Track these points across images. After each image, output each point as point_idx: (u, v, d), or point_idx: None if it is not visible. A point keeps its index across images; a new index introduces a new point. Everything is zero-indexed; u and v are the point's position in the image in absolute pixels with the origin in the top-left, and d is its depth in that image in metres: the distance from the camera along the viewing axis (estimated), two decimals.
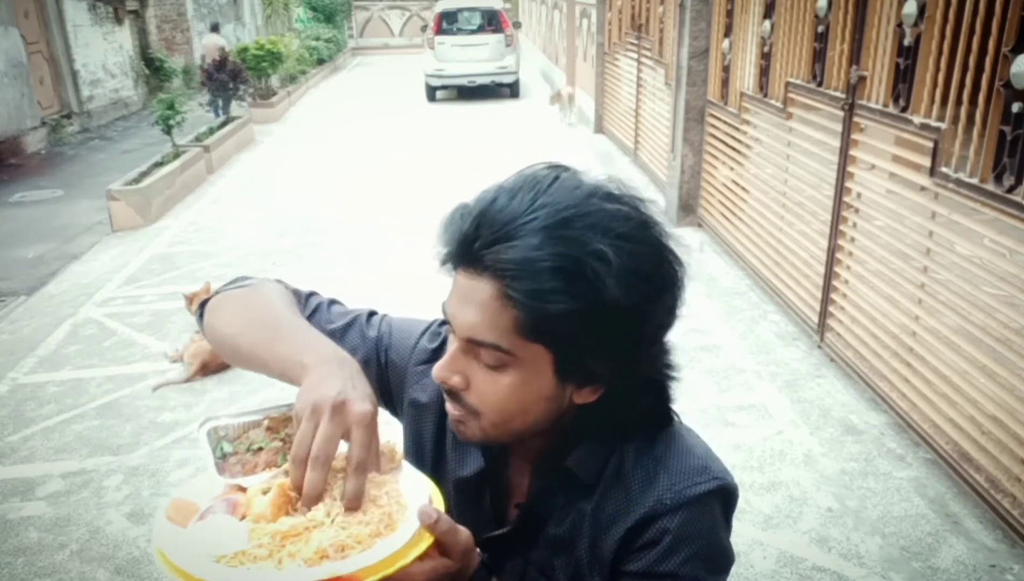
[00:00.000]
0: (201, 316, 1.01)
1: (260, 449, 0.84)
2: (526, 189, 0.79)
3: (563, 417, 0.86)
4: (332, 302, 1.07)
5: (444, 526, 0.75)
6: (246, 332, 0.92)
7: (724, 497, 0.87)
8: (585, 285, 0.74)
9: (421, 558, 0.73)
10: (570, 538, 0.89)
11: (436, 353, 0.99)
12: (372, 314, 1.05)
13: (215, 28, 12.65)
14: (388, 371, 1.01)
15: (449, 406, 0.85)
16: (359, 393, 0.78)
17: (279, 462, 0.83)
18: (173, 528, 0.76)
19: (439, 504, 0.79)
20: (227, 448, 0.84)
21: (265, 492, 0.78)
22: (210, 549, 0.72)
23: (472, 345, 0.80)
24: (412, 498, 0.79)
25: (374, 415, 0.77)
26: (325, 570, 0.69)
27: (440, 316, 0.95)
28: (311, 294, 1.07)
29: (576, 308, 0.75)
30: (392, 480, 0.81)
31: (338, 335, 1.00)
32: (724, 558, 0.88)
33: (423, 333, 1.02)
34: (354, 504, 0.75)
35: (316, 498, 0.75)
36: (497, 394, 0.81)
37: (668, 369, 0.89)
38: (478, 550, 0.81)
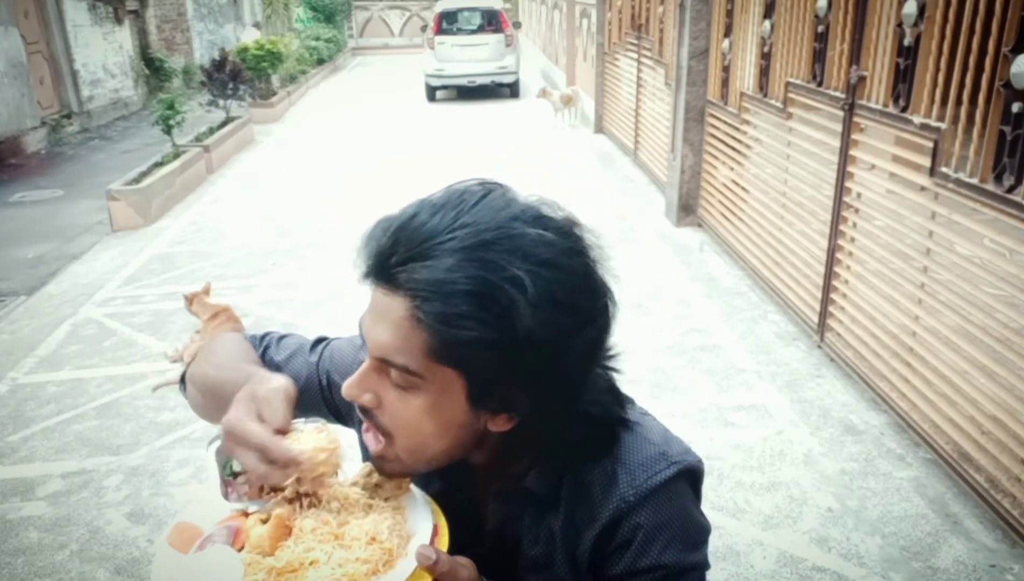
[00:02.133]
0: (184, 389, 1.08)
1: None
2: (450, 206, 0.76)
3: (484, 442, 0.83)
4: (283, 337, 1.08)
5: (444, 567, 0.73)
6: (205, 382, 0.97)
7: (689, 477, 0.86)
8: (498, 312, 0.71)
9: None
10: (547, 557, 0.88)
11: None
12: (320, 341, 1.06)
13: (257, 25, 12.79)
14: (332, 392, 1.01)
15: (367, 437, 0.83)
16: (230, 413, 0.79)
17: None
18: (173, 556, 0.75)
19: (444, 535, 0.77)
20: (236, 467, 0.82)
21: (264, 521, 0.76)
22: None
23: (383, 364, 0.78)
24: (416, 528, 0.77)
25: (234, 421, 0.77)
26: None
27: None
28: (266, 334, 1.08)
29: (487, 336, 0.71)
30: (398, 508, 0.79)
31: (283, 366, 1.02)
32: (701, 532, 0.87)
33: (361, 347, 1.01)
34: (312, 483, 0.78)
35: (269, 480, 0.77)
36: (408, 416, 0.78)
37: (599, 404, 0.86)
38: (483, 579, 0.79)
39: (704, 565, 0.86)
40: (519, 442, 0.84)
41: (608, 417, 0.86)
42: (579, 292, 0.75)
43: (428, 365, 0.75)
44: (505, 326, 0.71)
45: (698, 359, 3.84)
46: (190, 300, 3.99)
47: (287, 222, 6.39)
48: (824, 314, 3.78)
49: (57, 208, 7.22)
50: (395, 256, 0.74)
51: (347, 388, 0.80)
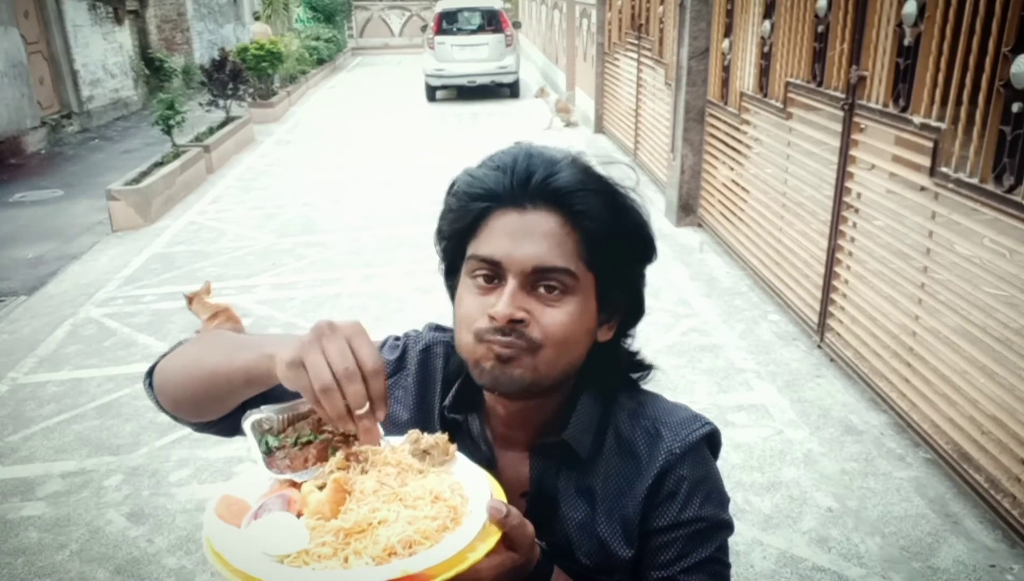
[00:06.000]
0: (151, 385, 0.98)
1: (309, 443, 0.83)
2: (537, 146, 0.90)
3: (583, 363, 0.92)
4: None
5: (514, 520, 0.76)
6: (201, 364, 0.89)
7: (712, 440, 0.97)
8: (628, 213, 0.88)
9: (488, 553, 0.72)
10: (588, 518, 0.92)
11: (399, 363, 1.00)
12: None
13: (257, 16, 12.91)
14: None
15: (499, 346, 0.84)
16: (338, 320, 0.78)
17: (330, 455, 0.81)
18: (227, 528, 0.74)
19: (501, 495, 0.78)
20: (272, 443, 0.83)
21: (321, 488, 0.76)
22: (270, 549, 0.70)
23: (536, 276, 0.84)
24: (473, 491, 0.78)
25: (361, 326, 0.77)
26: (395, 568, 0.68)
27: (393, 332, 1.02)
28: None
29: (623, 231, 0.87)
30: (448, 473, 0.80)
31: None
32: (725, 494, 0.97)
33: (381, 348, 1.02)
34: (382, 404, 0.75)
35: (382, 403, 0.75)
36: (560, 323, 0.85)
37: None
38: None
39: (732, 526, 0.96)
40: (600, 357, 0.93)
41: (642, 357, 1.00)
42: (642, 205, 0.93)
43: (580, 266, 0.85)
44: (636, 226, 0.89)
45: (698, 359, 3.84)
46: (190, 300, 3.99)
47: (287, 222, 6.39)
48: (824, 314, 3.78)
49: (57, 208, 7.22)
50: (536, 175, 0.85)
51: (502, 308, 0.83)
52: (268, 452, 0.82)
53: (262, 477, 0.80)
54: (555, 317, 0.84)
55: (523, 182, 0.84)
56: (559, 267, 0.84)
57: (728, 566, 0.94)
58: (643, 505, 0.91)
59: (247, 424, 0.83)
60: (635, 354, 0.99)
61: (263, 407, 0.85)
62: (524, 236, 0.84)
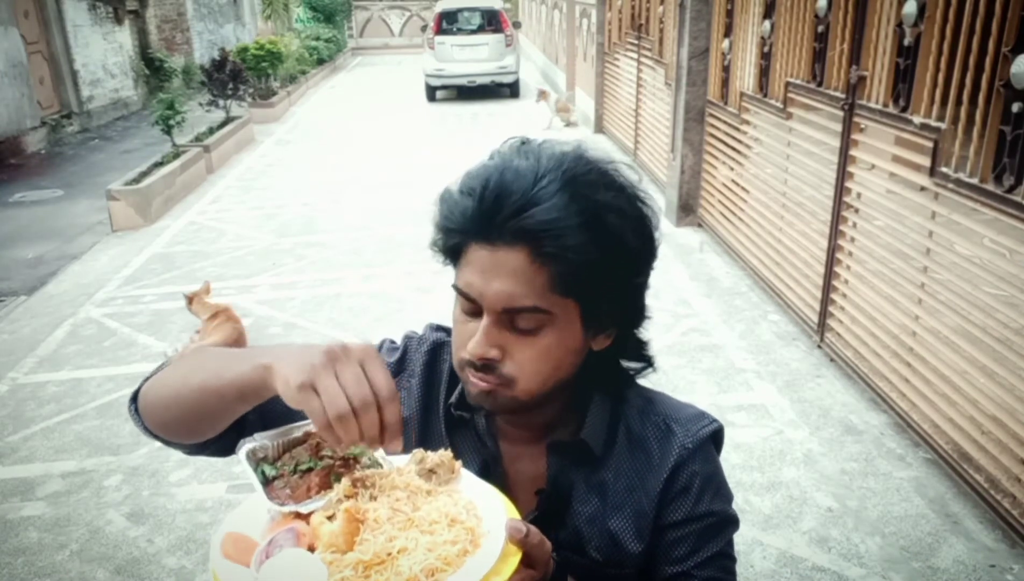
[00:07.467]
0: (136, 411, 0.96)
1: (309, 470, 0.80)
2: (522, 155, 0.83)
3: (579, 371, 0.90)
4: None
5: (535, 539, 0.75)
6: (188, 381, 0.84)
7: (716, 437, 0.98)
8: (609, 236, 0.80)
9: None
10: (599, 512, 0.93)
11: (400, 365, 1.00)
12: None
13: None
14: None
15: (476, 379, 0.85)
16: (346, 340, 0.74)
17: (332, 482, 0.78)
18: (238, 569, 0.71)
19: (512, 511, 0.77)
20: (269, 472, 0.80)
21: (331, 518, 0.73)
22: None
23: (508, 314, 0.82)
24: (486, 509, 0.76)
25: (374, 350, 0.73)
26: None
27: (389, 335, 1.02)
28: None
29: (604, 257, 0.80)
30: (456, 491, 0.78)
31: None
32: (731, 491, 0.99)
33: (378, 350, 1.01)
34: (396, 434, 0.71)
35: (397, 432, 0.70)
36: (535, 358, 0.83)
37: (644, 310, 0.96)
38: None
39: (738, 521, 0.98)
40: (602, 359, 0.91)
41: (647, 348, 0.97)
42: (643, 203, 0.86)
43: (553, 300, 0.81)
44: (615, 247, 0.81)
45: (698, 359, 3.84)
46: (190, 300, 3.99)
47: (287, 222, 6.39)
48: (824, 314, 3.78)
49: (57, 208, 7.22)
50: (504, 209, 0.79)
51: (474, 347, 0.83)
52: (266, 482, 0.78)
53: (262, 509, 0.77)
54: (526, 353, 0.83)
55: (490, 216, 0.79)
56: (528, 307, 0.81)
57: (735, 560, 0.97)
58: (658, 500, 0.92)
59: (243, 454, 0.80)
60: (644, 344, 0.96)
61: (255, 435, 0.82)
62: (494, 274, 0.80)
